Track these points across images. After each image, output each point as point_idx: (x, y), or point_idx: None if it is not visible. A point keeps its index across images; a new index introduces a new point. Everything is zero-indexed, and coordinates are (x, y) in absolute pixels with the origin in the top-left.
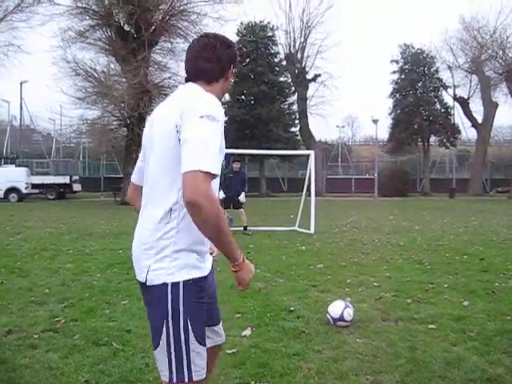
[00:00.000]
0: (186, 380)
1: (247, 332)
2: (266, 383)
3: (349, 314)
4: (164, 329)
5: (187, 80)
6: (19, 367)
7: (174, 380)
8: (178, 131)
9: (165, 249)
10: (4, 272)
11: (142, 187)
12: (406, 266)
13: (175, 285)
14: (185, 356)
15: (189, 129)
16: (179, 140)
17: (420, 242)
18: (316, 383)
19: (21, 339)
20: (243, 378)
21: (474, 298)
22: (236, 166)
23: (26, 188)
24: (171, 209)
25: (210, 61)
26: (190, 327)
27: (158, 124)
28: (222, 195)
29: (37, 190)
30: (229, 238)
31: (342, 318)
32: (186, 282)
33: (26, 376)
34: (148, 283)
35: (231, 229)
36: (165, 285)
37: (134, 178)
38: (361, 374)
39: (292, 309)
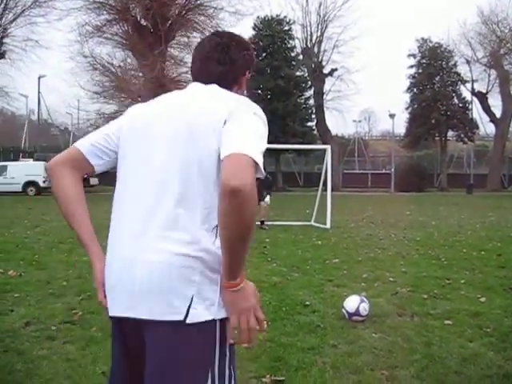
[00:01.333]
0: None
1: None
2: (281, 377)
3: (364, 308)
4: (209, 381)
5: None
6: (37, 358)
7: None
8: (224, 125)
9: (212, 269)
10: (22, 264)
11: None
12: (423, 262)
13: (223, 321)
14: None
15: (241, 119)
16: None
17: (437, 237)
18: (331, 377)
19: (39, 331)
20: (258, 371)
21: (491, 294)
22: None
23: (44, 182)
24: (211, 225)
25: (223, 63)
26: (233, 374)
27: (181, 124)
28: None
29: None
30: (246, 248)
31: (357, 313)
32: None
33: (43, 367)
34: (189, 320)
35: None
36: (213, 322)
37: (85, 149)
38: (376, 368)
39: (308, 303)
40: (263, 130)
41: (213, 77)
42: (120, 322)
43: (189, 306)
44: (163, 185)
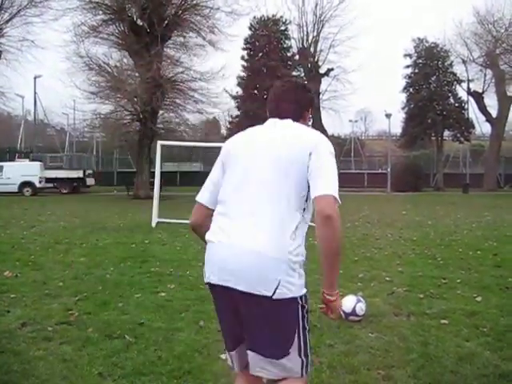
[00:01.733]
0: (307, 373)
1: None
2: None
3: (361, 308)
4: (296, 337)
5: (271, 118)
6: (34, 359)
7: (304, 375)
8: (309, 156)
9: (296, 264)
10: (18, 265)
11: (213, 210)
12: (419, 261)
13: (302, 298)
14: (309, 356)
15: (326, 158)
16: (308, 164)
17: (433, 236)
18: (328, 377)
19: (35, 331)
20: None
21: (487, 293)
22: None
23: (40, 182)
24: (299, 228)
25: (293, 103)
26: (308, 334)
27: (274, 149)
28: None
29: (50, 184)
30: (339, 261)
31: (354, 313)
32: (305, 297)
33: (40, 368)
34: (276, 297)
35: None
36: (295, 299)
37: (204, 200)
38: (372, 368)
39: None
40: (336, 168)
41: (286, 113)
42: (226, 291)
43: (276, 287)
44: (264, 196)
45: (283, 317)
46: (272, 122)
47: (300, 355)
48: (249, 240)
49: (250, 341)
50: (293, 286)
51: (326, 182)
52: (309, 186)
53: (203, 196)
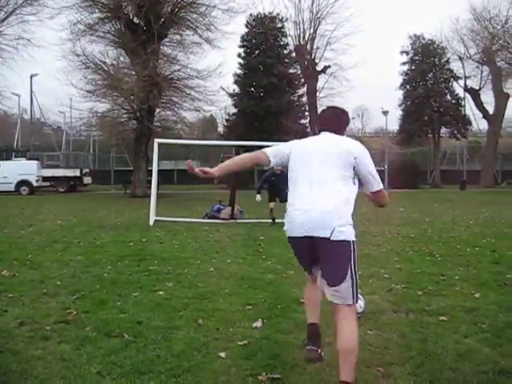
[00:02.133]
0: (356, 302)
1: (258, 324)
2: (277, 375)
3: (359, 305)
4: (349, 270)
5: (320, 131)
6: (32, 358)
7: (354, 302)
8: (355, 159)
9: (347, 219)
10: (16, 264)
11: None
12: (417, 258)
13: (354, 242)
14: (358, 287)
15: (369, 162)
16: (354, 164)
17: (431, 233)
18: (327, 375)
19: (33, 331)
20: (254, 369)
21: (485, 289)
22: (277, 169)
23: (37, 181)
24: (349, 198)
25: (336, 123)
26: (357, 275)
27: (333, 147)
28: (258, 198)
29: (47, 183)
30: None
31: None
32: (356, 242)
33: (38, 367)
34: (333, 238)
35: (242, 220)
36: (349, 242)
37: (272, 156)
38: (372, 365)
39: (302, 300)
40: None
41: (332, 129)
42: (302, 238)
43: (331, 232)
44: (327, 177)
45: (337, 253)
46: (325, 134)
47: (352, 285)
48: (316, 206)
49: (323, 271)
50: (343, 233)
51: (378, 180)
52: (359, 179)
53: (271, 151)
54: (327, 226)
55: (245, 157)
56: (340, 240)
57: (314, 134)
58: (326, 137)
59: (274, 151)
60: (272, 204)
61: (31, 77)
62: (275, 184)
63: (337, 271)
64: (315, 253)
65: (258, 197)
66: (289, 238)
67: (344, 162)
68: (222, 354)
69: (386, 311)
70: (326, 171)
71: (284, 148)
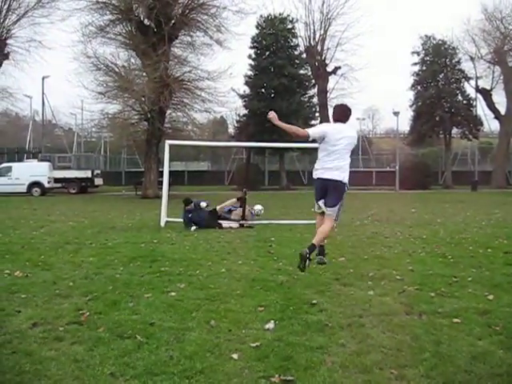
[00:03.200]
0: (336, 219)
1: (270, 325)
2: (289, 377)
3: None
4: (339, 201)
5: (335, 121)
6: (45, 359)
7: (337, 219)
8: (355, 144)
9: (347, 172)
10: (29, 265)
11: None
12: (429, 260)
13: (346, 184)
14: (341, 212)
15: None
16: (354, 145)
17: (443, 235)
18: (340, 377)
19: (46, 332)
20: (267, 371)
21: (498, 291)
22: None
23: (49, 182)
24: (349, 163)
25: (346, 116)
26: (343, 202)
27: (346, 134)
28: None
29: (59, 184)
30: None
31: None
32: (347, 185)
33: (51, 368)
34: (343, 181)
35: (252, 222)
36: (345, 183)
37: (311, 132)
38: (385, 367)
39: (314, 302)
40: None
41: (343, 120)
42: (324, 180)
43: (343, 178)
44: (341, 152)
45: (341, 189)
46: (340, 123)
47: (338, 210)
48: (335, 168)
49: (327, 199)
50: (345, 179)
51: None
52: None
53: (311, 130)
54: (340, 175)
55: (294, 127)
56: (343, 182)
57: None
58: (344, 126)
59: (314, 129)
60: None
61: (43, 79)
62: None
63: (333, 199)
64: (326, 189)
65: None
66: (317, 179)
67: (351, 144)
68: (235, 356)
69: (398, 313)
70: (344, 148)
71: (322, 128)
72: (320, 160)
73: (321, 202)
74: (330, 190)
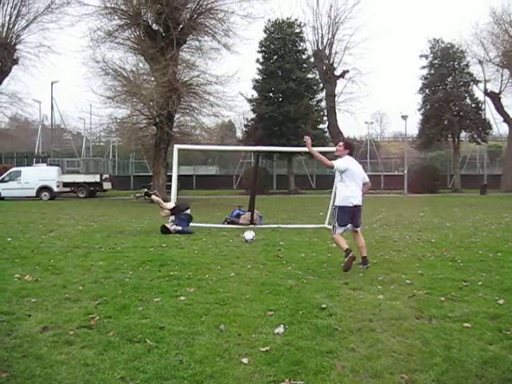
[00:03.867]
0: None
1: (280, 330)
2: (299, 381)
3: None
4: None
5: (349, 155)
6: (55, 363)
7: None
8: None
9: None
10: (38, 269)
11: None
12: (439, 264)
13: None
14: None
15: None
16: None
17: (452, 239)
18: (350, 381)
19: (56, 336)
20: (277, 375)
21: (509, 295)
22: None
23: (58, 186)
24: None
25: (353, 151)
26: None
27: (357, 169)
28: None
29: (68, 189)
30: None
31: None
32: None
33: (62, 372)
34: (361, 205)
35: (261, 226)
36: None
37: (336, 165)
38: (395, 372)
39: (324, 306)
40: None
41: (353, 155)
42: (352, 207)
43: (362, 202)
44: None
45: (360, 211)
46: (352, 158)
47: (361, 225)
48: (358, 195)
49: (355, 222)
50: (361, 204)
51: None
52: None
53: (336, 163)
54: (360, 201)
55: (323, 158)
56: (360, 205)
57: (333, 138)
58: (355, 161)
59: (338, 163)
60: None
61: (52, 84)
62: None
63: (360, 221)
64: (354, 214)
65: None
66: (347, 207)
67: (361, 176)
68: (245, 360)
69: (408, 317)
70: (359, 179)
71: (343, 164)
72: (348, 190)
73: (347, 227)
74: (355, 214)
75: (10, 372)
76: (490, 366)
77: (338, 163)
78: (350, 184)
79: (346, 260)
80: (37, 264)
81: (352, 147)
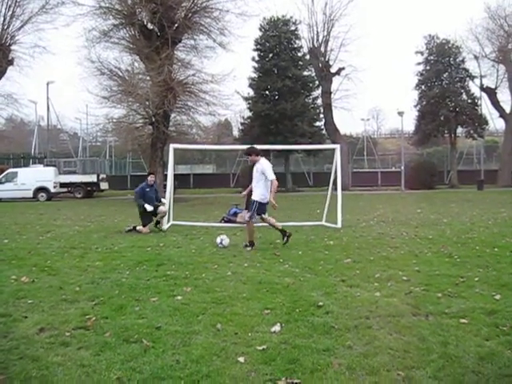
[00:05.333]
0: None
1: (277, 328)
2: (296, 379)
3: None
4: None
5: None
6: (52, 365)
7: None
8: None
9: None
10: (35, 270)
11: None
12: (436, 260)
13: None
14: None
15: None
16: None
17: (449, 234)
18: (347, 379)
19: (53, 337)
20: (274, 374)
21: (506, 291)
22: (152, 180)
23: (55, 187)
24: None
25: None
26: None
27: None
28: (150, 208)
29: (65, 189)
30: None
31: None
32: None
33: (58, 373)
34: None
35: (258, 224)
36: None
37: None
38: (392, 369)
39: (321, 304)
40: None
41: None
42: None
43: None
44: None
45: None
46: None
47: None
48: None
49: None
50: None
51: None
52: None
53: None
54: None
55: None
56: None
57: (329, 136)
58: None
59: (270, 169)
60: (146, 229)
61: (47, 84)
62: (147, 194)
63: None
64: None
65: (149, 206)
66: (262, 202)
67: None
68: (241, 359)
69: (405, 314)
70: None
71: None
72: (264, 188)
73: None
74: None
75: (7, 374)
76: (487, 362)
77: (269, 169)
78: (266, 183)
79: (249, 248)
80: (33, 265)
81: (258, 151)
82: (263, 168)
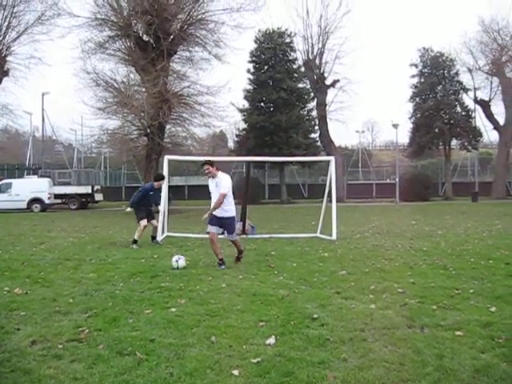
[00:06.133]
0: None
1: (271, 340)
2: None
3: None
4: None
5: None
6: (44, 377)
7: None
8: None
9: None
10: (28, 282)
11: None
12: (430, 272)
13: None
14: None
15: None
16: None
17: (444, 247)
18: None
19: (45, 349)
20: None
21: (501, 303)
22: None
23: (49, 198)
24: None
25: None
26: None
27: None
28: (129, 209)
29: (59, 200)
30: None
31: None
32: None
33: None
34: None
35: (253, 236)
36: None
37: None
38: (387, 382)
39: (316, 316)
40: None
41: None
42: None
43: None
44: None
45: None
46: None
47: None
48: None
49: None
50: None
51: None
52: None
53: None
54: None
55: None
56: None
57: (324, 147)
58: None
59: (228, 184)
60: (145, 222)
61: (43, 95)
62: (150, 198)
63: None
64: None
65: (129, 209)
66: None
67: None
68: (236, 372)
69: (400, 326)
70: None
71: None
72: (231, 203)
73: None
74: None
75: None
76: (482, 375)
77: (228, 185)
78: (228, 198)
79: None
80: (27, 277)
81: (213, 164)
82: (221, 181)
